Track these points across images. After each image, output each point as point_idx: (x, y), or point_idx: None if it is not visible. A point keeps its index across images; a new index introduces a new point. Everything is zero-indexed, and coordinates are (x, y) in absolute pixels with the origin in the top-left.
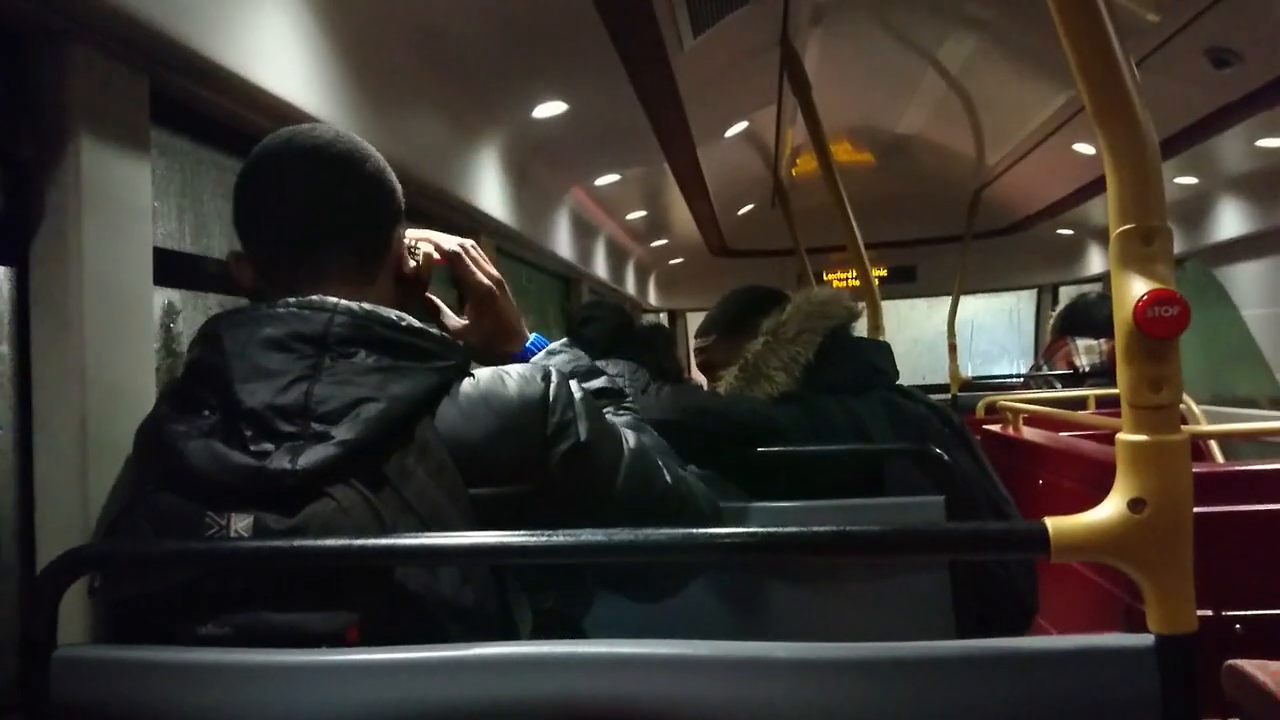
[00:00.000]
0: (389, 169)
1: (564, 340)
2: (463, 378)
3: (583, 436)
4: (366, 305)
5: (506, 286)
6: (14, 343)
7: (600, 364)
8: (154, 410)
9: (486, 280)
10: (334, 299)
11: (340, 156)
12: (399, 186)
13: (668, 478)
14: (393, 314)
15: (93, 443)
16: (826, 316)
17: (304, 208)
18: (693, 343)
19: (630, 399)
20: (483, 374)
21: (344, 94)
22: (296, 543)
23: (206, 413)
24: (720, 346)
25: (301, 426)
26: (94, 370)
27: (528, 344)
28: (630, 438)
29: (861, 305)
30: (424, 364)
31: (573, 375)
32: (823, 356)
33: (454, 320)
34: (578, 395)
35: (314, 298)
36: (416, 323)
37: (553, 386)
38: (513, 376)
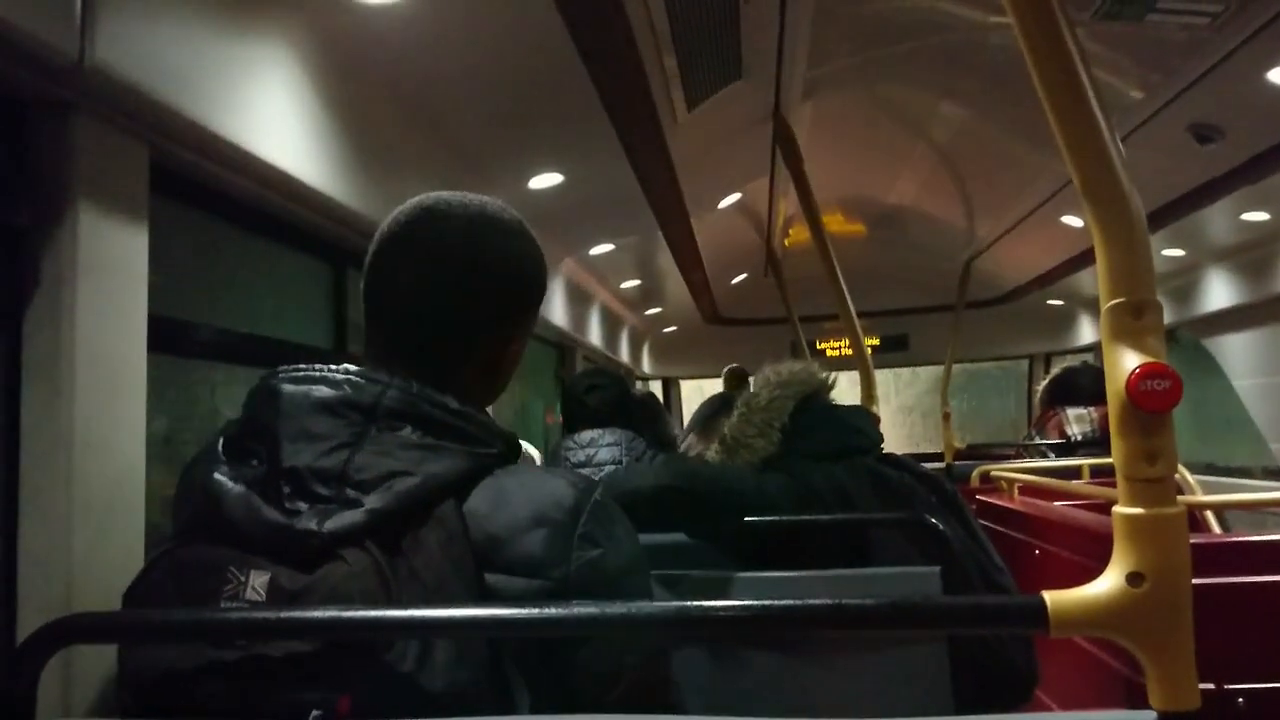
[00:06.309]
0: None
1: None
2: (503, 466)
3: (606, 552)
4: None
5: None
6: (3, 407)
7: (598, 433)
8: (205, 453)
9: None
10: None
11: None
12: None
13: None
14: (446, 395)
15: (79, 508)
16: (797, 383)
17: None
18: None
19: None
20: (525, 469)
21: (342, 166)
22: (284, 614)
23: (255, 462)
24: (701, 439)
25: (336, 491)
26: (83, 436)
27: None
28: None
29: (833, 375)
30: (465, 447)
31: None
32: (798, 421)
33: None
34: (618, 520)
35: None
36: (467, 407)
37: (594, 497)
38: (556, 478)
